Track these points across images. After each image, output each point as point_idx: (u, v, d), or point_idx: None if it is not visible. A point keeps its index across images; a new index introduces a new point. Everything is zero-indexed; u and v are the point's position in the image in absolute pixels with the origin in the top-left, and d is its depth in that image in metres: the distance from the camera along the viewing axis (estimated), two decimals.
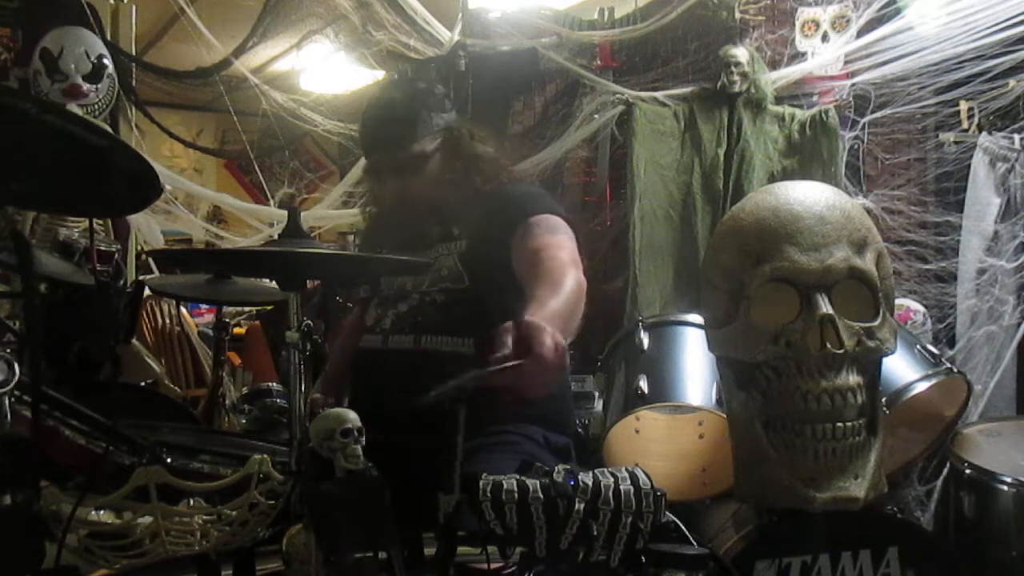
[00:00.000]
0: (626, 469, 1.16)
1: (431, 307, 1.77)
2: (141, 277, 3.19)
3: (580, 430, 2.45)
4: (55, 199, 1.40)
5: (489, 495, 1.09)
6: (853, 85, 3.37)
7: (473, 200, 1.82)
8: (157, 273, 3.36)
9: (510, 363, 1.20)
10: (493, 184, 1.86)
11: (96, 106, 3.68)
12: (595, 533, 1.10)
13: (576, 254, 1.66)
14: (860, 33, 3.35)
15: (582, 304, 1.55)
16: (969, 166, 3.12)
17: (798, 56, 3.56)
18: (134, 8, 4.12)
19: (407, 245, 1.84)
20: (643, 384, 2.09)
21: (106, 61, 3.69)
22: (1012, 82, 3.02)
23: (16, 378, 1.09)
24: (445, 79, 1.88)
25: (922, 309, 3.02)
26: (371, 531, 1.06)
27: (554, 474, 1.13)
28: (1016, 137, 3.06)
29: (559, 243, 1.65)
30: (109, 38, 3.88)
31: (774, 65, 3.60)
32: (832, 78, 3.46)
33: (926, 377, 2.05)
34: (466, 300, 1.74)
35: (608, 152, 3.97)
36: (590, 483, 1.11)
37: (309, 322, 1.24)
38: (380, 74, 4.28)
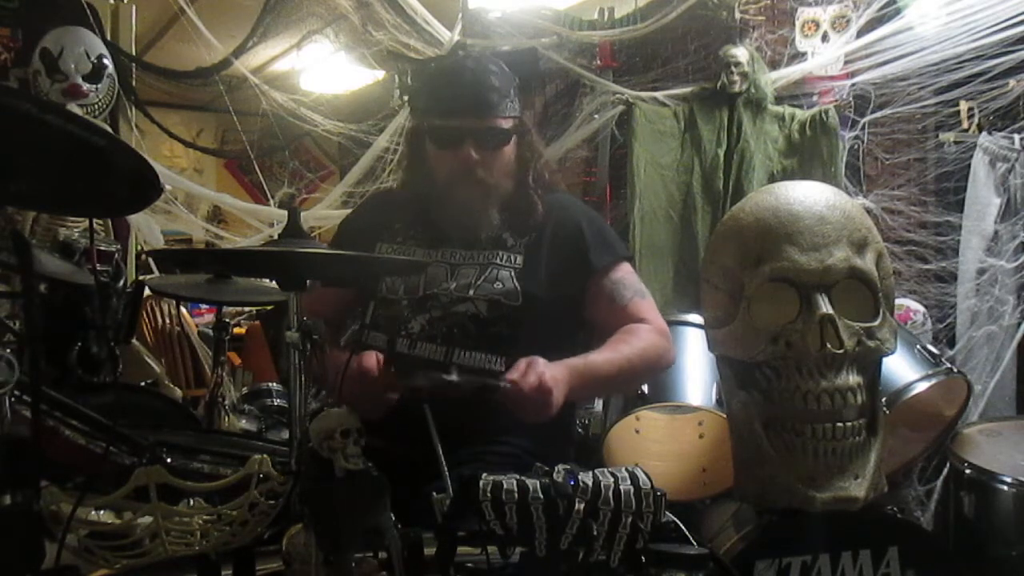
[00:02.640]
0: (626, 469, 1.16)
1: (471, 319, 1.68)
2: (141, 277, 3.19)
3: (580, 430, 2.45)
4: (55, 199, 1.40)
5: (489, 495, 1.09)
6: (853, 85, 3.37)
7: (532, 207, 1.76)
8: (157, 273, 3.36)
9: (494, 384, 1.45)
10: (553, 195, 1.81)
11: (96, 106, 3.68)
12: (595, 533, 1.10)
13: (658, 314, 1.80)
14: (860, 33, 3.35)
15: (654, 365, 1.76)
16: (969, 166, 3.12)
17: (798, 56, 3.56)
18: (134, 8, 4.12)
19: (437, 239, 1.76)
20: (643, 384, 2.09)
21: (106, 61, 3.69)
22: (1012, 82, 3.02)
23: (16, 378, 1.09)
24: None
25: (922, 309, 3.02)
26: (371, 531, 1.06)
27: (554, 474, 1.13)
28: (1016, 137, 3.07)
29: (651, 314, 1.76)
30: (109, 38, 3.88)
31: (774, 65, 3.60)
32: (832, 78, 3.46)
33: (926, 377, 2.05)
34: (513, 320, 1.68)
35: (608, 152, 3.98)
36: (590, 483, 1.11)
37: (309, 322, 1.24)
38: (380, 74, 4.28)
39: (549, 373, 1.51)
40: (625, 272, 1.78)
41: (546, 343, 1.63)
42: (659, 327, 1.74)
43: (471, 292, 1.70)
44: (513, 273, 1.71)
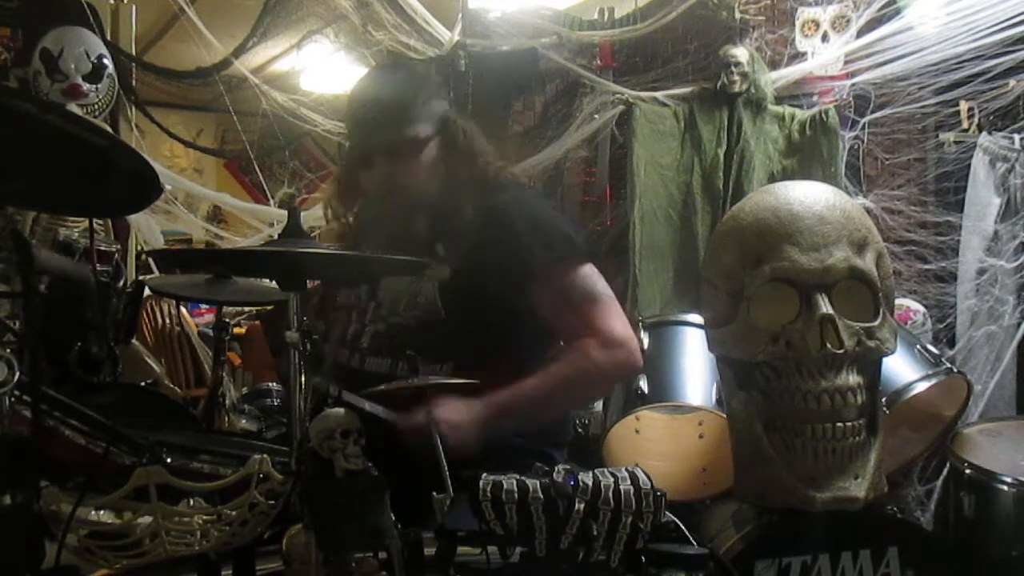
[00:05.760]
0: (626, 469, 1.16)
1: (405, 331, 1.68)
2: (141, 277, 3.19)
3: (580, 430, 2.45)
4: (55, 199, 1.40)
5: (489, 495, 1.09)
6: (853, 85, 3.37)
7: (464, 213, 1.69)
8: (157, 273, 3.36)
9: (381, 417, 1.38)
10: (489, 195, 1.71)
11: (96, 106, 3.68)
12: (595, 533, 1.10)
13: (621, 312, 1.68)
14: (860, 33, 3.35)
15: (599, 382, 1.72)
16: (969, 166, 3.12)
17: (798, 56, 3.56)
18: (134, 8, 4.12)
19: (380, 251, 1.70)
20: (643, 384, 2.09)
21: (106, 61, 3.69)
22: (1012, 82, 3.02)
23: (16, 378, 1.09)
24: (444, 75, 1.77)
25: (922, 309, 3.02)
26: (371, 531, 1.06)
27: (554, 474, 1.13)
28: (1016, 137, 3.07)
29: (602, 321, 1.65)
30: (109, 38, 3.89)
31: (774, 65, 3.60)
32: (832, 78, 3.46)
33: (926, 377, 2.05)
34: (442, 332, 1.65)
35: (608, 152, 3.97)
36: (590, 483, 1.11)
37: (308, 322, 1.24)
38: None
39: (446, 418, 1.46)
40: (576, 275, 1.66)
41: (483, 352, 1.60)
42: (607, 337, 1.63)
43: (401, 308, 1.69)
44: (436, 286, 1.66)
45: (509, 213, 1.69)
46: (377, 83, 1.80)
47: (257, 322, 4.34)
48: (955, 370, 2.16)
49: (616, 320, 1.66)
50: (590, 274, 1.68)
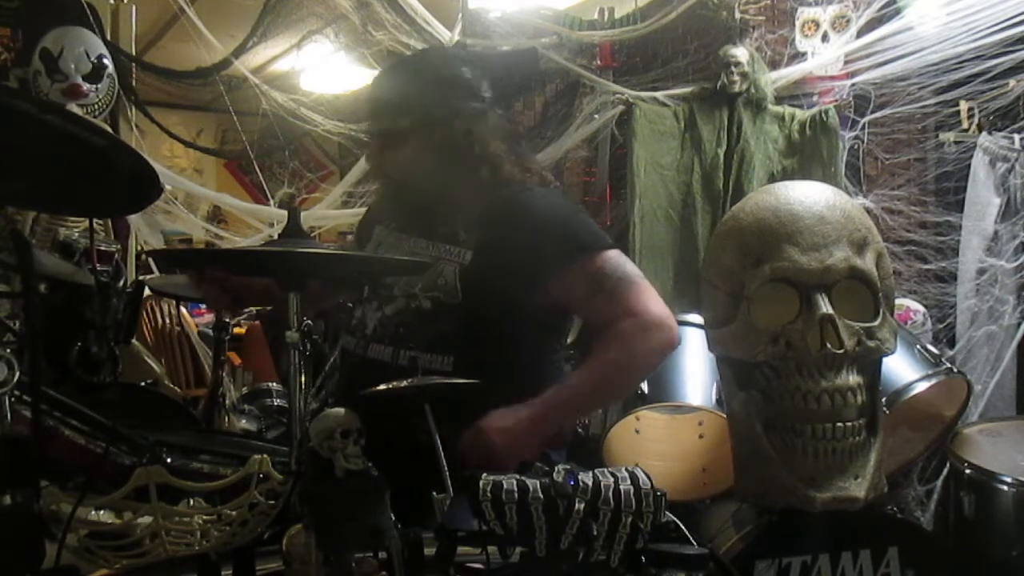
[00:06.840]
0: (626, 469, 1.15)
1: (415, 315, 1.65)
2: (141, 277, 3.19)
3: (580, 430, 2.45)
4: (55, 199, 1.40)
5: (489, 495, 1.09)
6: (853, 85, 3.37)
7: (485, 203, 1.69)
8: (157, 273, 3.36)
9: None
10: (511, 188, 1.71)
11: (96, 106, 3.68)
12: (595, 533, 1.10)
13: (655, 292, 1.67)
14: (860, 33, 3.36)
15: (644, 363, 1.69)
16: (969, 166, 3.12)
17: (798, 56, 3.56)
18: (134, 8, 4.12)
19: (410, 225, 1.74)
20: (643, 384, 2.09)
21: (106, 61, 3.69)
22: (1012, 82, 3.02)
23: (16, 378, 1.09)
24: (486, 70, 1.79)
25: (922, 309, 3.02)
26: (371, 531, 1.06)
27: (554, 474, 1.13)
28: (1016, 137, 3.07)
29: (639, 301, 1.64)
30: (109, 38, 3.89)
31: (774, 65, 3.60)
32: (832, 78, 3.47)
33: (926, 377, 2.05)
34: (454, 316, 1.63)
35: (608, 152, 3.98)
36: (590, 483, 1.11)
37: (309, 322, 1.24)
38: None
39: (496, 425, 1.50)
40: (604, 261, 1.66)
41: (494, 343, 1.60)
42: (648, 318, 1.62)
43: (418, 288, 1.67)
44: (457, 270, 1.65)
45: (534, 210, 1.70)
46: (389, 71, 1.94)
47: (257, 322, 4.35)
48: (955, 370, 2.16)
49: (651, 300, 1.65)
50: (617, 257, 1.68)
